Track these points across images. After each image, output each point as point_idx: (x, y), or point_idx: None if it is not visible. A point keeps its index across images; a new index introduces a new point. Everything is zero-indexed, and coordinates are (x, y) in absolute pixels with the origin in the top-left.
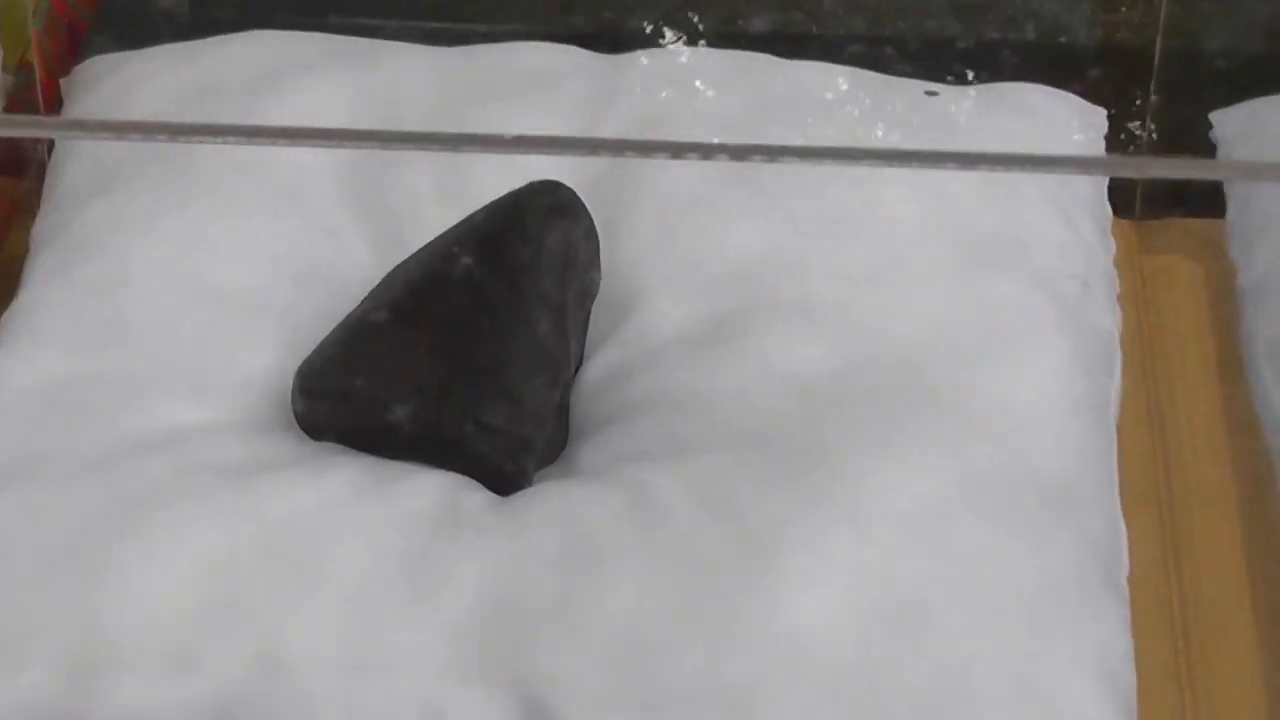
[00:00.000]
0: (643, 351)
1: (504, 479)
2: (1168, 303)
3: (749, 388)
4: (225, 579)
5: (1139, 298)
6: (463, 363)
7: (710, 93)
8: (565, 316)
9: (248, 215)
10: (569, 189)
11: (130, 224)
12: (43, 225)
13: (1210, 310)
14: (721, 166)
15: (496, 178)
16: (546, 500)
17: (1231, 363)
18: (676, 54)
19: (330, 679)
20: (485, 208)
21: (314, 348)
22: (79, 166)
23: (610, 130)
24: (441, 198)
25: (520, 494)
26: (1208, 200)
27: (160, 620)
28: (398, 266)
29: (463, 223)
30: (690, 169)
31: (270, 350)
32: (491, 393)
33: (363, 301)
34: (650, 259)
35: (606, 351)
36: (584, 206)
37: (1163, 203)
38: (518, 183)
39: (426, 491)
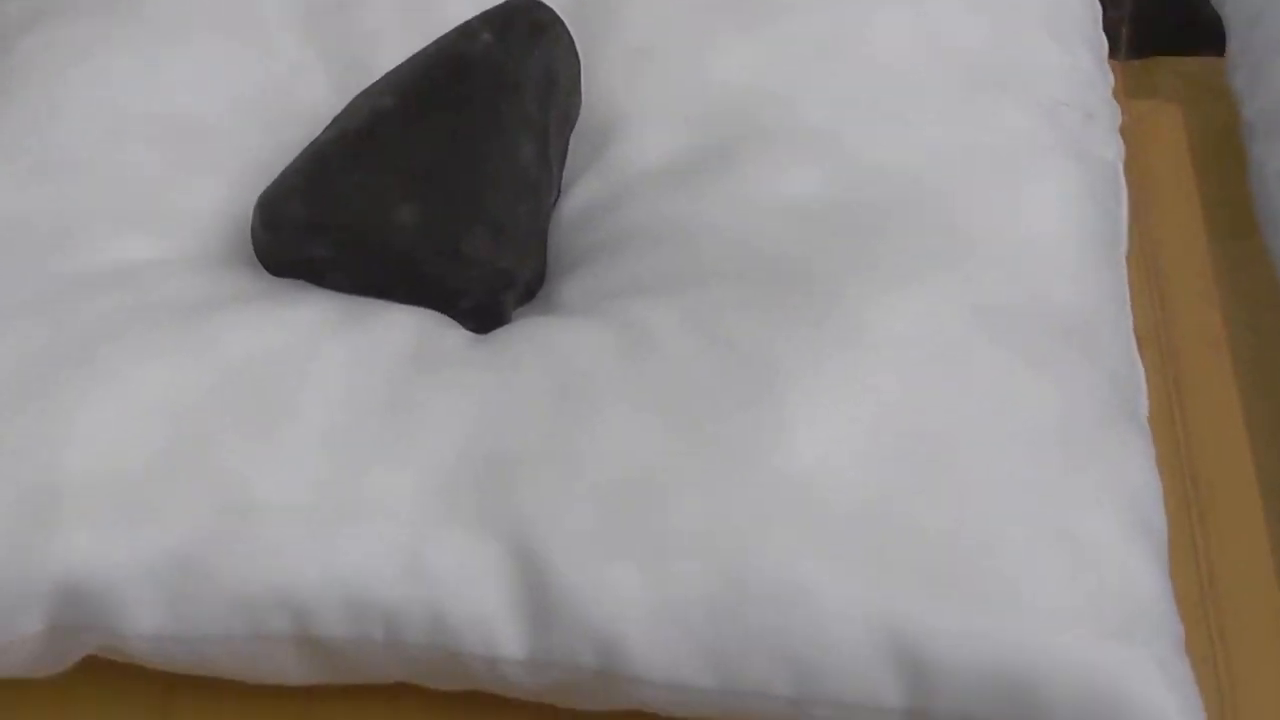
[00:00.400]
0: (624, 182)
1: (483, 315)
2: (1155, 147)
3: (740, 219)
4: (186, 421)
5: (1126, 140)
6: (438, 190)
7: None
8: (548, 141)
9: (199, 45)
10: (548, 7)
11: (66, 55)
12: None
13: (1198, 155)
14: None
15: (468, 5)
16: (530, 336)
17: (1223, 209)
18: None
19: (303, 526)
20: (459, 27)
21: (274, 178)
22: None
23: None
24: (408, 26)
25: (501, 330)
26: (1198, 38)
27: (115, 467)
28: (363, 91)
29: (435, 43)
30: None
31: (226, 183)
32: (471, 221)
33: (325, 129)
34: (631, 86)
35: (586, 182)
36: (565, 26)
37: (1150, 42)
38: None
39: (401, 328)
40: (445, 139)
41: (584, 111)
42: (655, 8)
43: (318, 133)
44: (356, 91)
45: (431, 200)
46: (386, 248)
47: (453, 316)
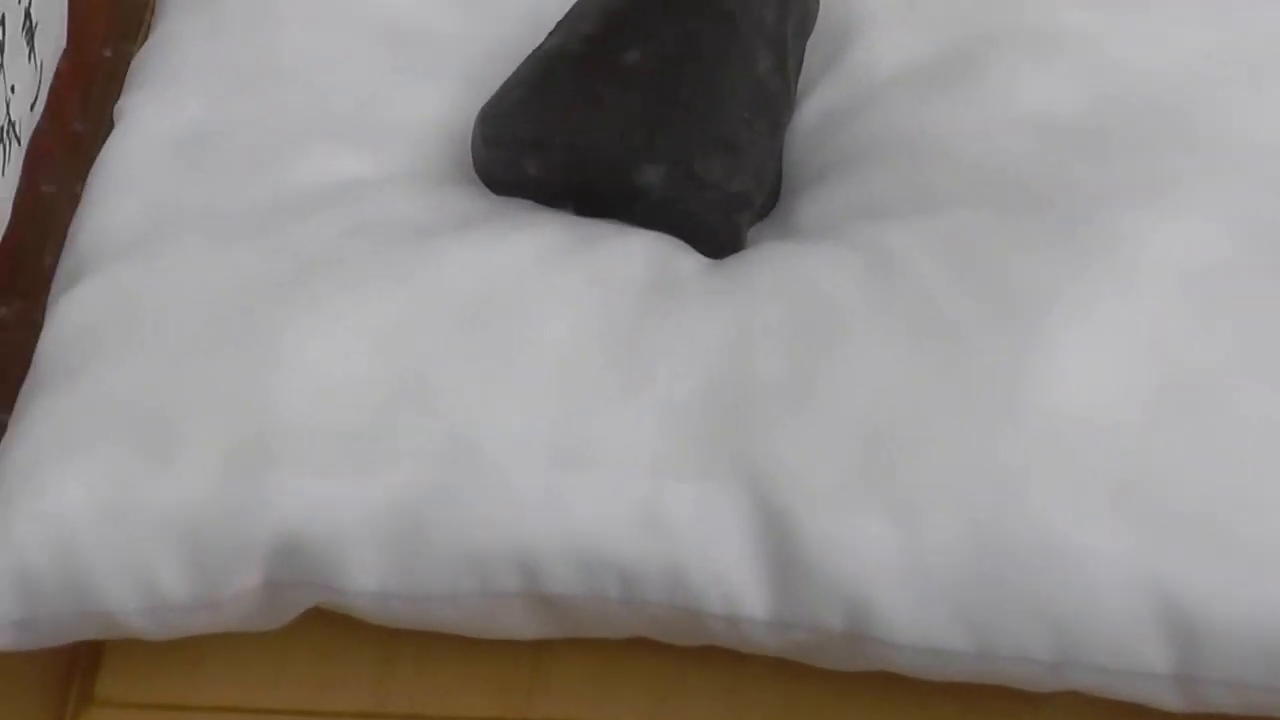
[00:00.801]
0: (861, 91)
1: (719, 240)
2: None
3: (989, 129)
4: (408, 356)
5: None
6: (671, 106)
7: None
8: (786, 51)
9: None
10: None
11: None
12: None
13: None
14: None
15: None
16: (770, 263)
17: None
18: None
19: (533, 473)
20: None
21: (496, 88)
22: None
23: None
24: None
25: (738, 257)
26: None
27: (335, 405)
28: None
29: None
30: None
31: (445, 91)
32: (706, 141)
33: (550, 34)
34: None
35: (821, 91)
36: None
37: None
38: None
39: (633, 254)
40: (678, 49)
41: (821, 12)
42: None
43: (543, 36)
44: None
45: (664, 118)
46: (616, 170)
47: (686, 240)
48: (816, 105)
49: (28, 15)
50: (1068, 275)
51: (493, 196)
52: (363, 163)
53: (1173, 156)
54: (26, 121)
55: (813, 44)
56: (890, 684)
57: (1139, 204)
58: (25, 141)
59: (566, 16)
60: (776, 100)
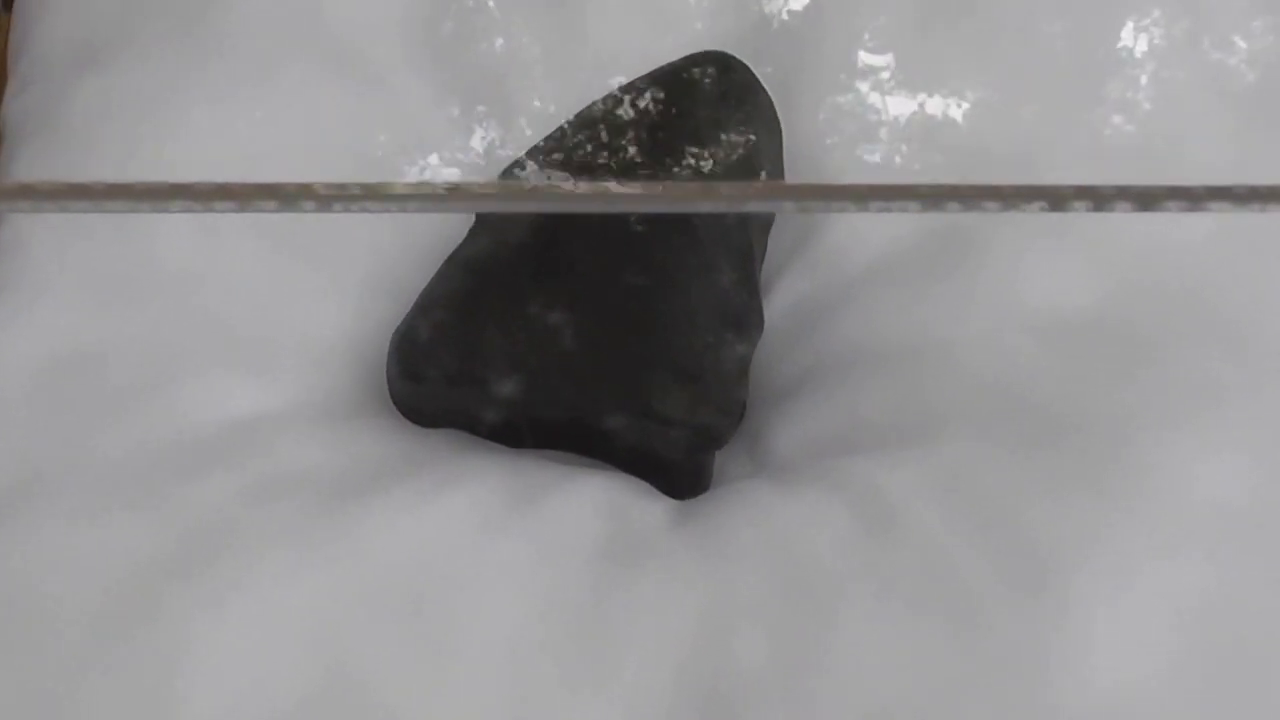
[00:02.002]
0: (839, 281)
1: (681, 478)
2: None
3: (991, 333)
4: (333, 651)
5: None
6: (622, 328)
7: None
8: (752, 256)
9: (296, 92)
10: (739, 62)
11: (140, 107)
12: (15, 106)
13: None
14: (920, 7)
15: (624, 29)
16: (745, 511)
17: None
18: None
19: None
20: (632, 88)
21: (407, 296)
22: (55, 19)
23: None
24: (551, 55)
25: (708, 501)
26: None
27: (252, 714)
28: (513, 183)
29: (603, 114)
30: (883, 18)
31: (350, 301)
32: (664, 373)
33: (470, 233)
34: (841, 146)
35: (791, 280)
36: (760, 83)
37: None
38: (652, 32)
39: (586, 507)
40: (630, 263)
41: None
42: (856, 41)
43: (457, 236)
44: (505, 151)
45: (615, 348)
46: (564, 409)
47: (645, 478)
48: (785, 298)
49: None
50: (1096, 527)
51: (414, 429)
52: (261, 393)
53: (1210, 362)
54: None
55: (777, 227)
56: None
57: (1173, 427)
58: None
59: (485, 215)
60: (741, 315)
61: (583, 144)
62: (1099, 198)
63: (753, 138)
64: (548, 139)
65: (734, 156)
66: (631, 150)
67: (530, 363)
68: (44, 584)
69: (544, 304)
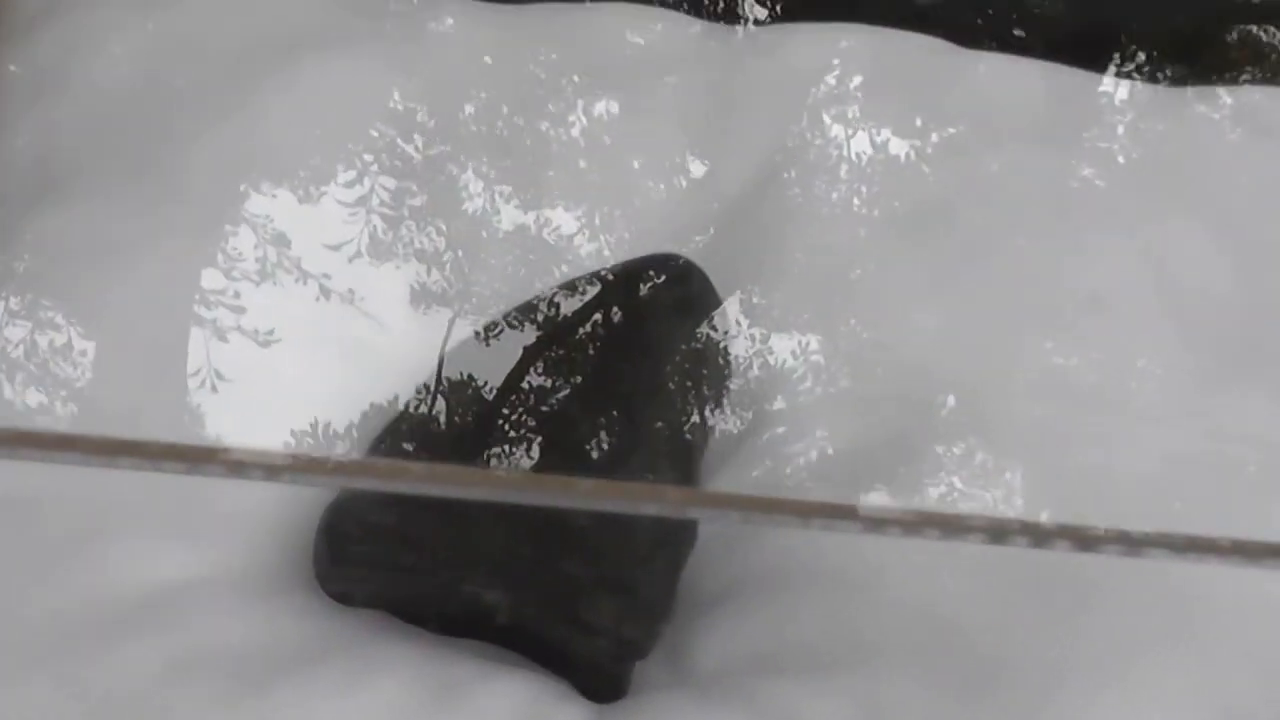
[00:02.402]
0: (785, 483)
1: (601, 682)
2: None
3: (927, 560)
4: None
5: None
6: (556, 531)
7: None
8: (692, 462)
9: (234, 254)
10: (689, 262)
11: (93, 248)
12: None
13: None
14: (884, 211)
15: (575, 215)
16: None
17: None
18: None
19: None
20: (583, 284)
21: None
22: (15, 141)
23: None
24: (518, 238)
25: (625, 709)
26: None
27: None
28: (449, 367)
29: (552, 323)
30: (840, 216)
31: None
32: (595, 580)
33: (405, 408)
34: (783, 345)
35: (726, 483)
36: (712, 288)
37: None
38: (599, 218)
39: (505, 708)
40: (571, 456)
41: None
42: (817, 238)
43: (393, 389)
44: (440, 334)
45: (546, 551)
46: (487, 608)
47: (564, 677)
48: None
49: None
50: None
51: (335, 608)
52: (187, 558)
53: (1137, 608)
54: None
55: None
56: None
57: (1098, 676)
58: None
59: (426, 400)
60: (678, 532)
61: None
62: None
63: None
64: (493, 324)
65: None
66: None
67: (464, 561)
68: None
69: (473, 512)
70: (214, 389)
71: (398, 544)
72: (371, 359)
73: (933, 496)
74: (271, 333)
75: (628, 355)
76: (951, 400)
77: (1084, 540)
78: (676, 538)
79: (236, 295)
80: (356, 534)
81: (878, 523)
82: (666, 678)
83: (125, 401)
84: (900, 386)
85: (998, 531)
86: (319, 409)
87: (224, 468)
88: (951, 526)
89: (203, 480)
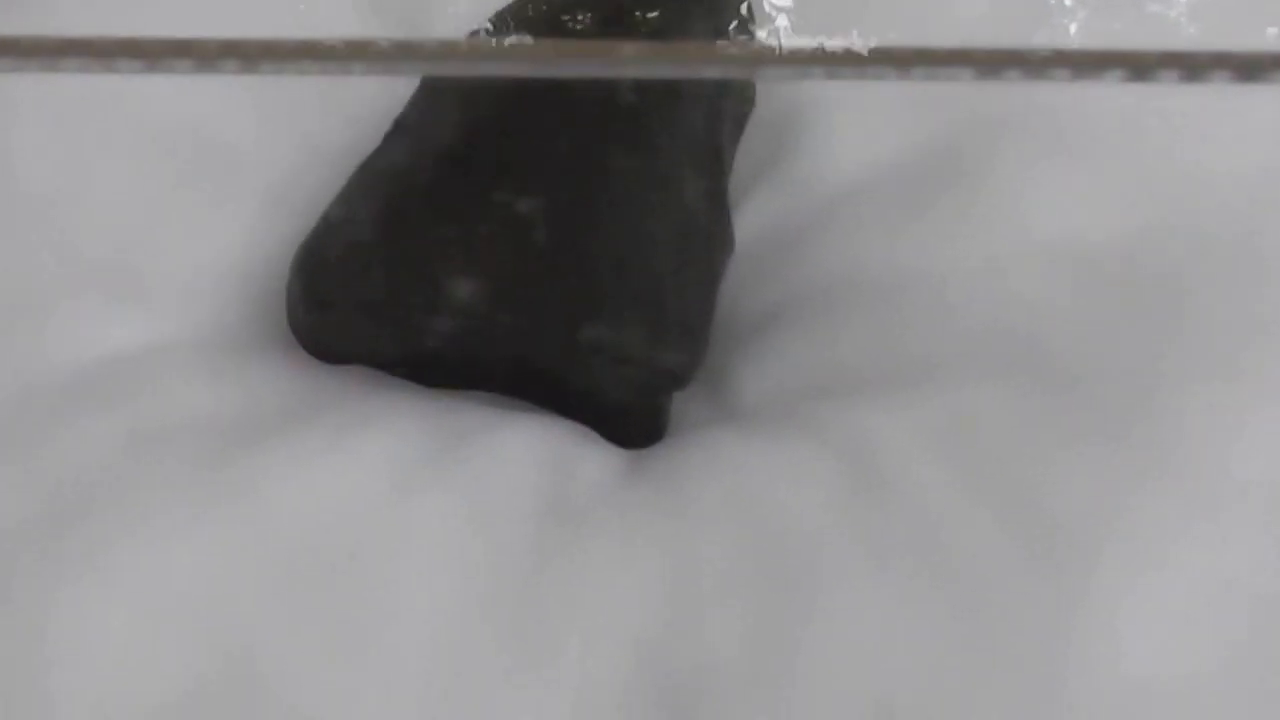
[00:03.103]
0: (817, 203)
1: (635, 423)
2: None
3: (993, 264)
4: (228, 634)
5: None
6: (571, 254)
7: None
8: (722, 167)
9: None
10: None
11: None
12: None
13: None
14: None
15: None
16: (710, 465)
17: None
18: None
19: None
20: None
21: (309, 212)
22: None
23: None
24: None
25: (664, 449)
26: None
27: (123, 707)
28: (431, 83)
29: (544, 8)
30: None
31: (240, 217)
32: (617, 301)
33: (386, 139)
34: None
35: (760, 200)
36: None
37: None
38: None
39: (521, 457)
40: (574, 171)
41: (758, 96)
42: None
43: (368, 142)
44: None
45: (558, 269)
46: (494, 339)
47: (592, 424)
48: (754, 221)
49: None
50: (1122, 493)
51: (318, 365)
52: (141, 326)
53: (1255, 308)
54: None
55: (747, 133)
56: None
57: (1209, 380)
58: None
59: (407, 115)
60: (712, 235)
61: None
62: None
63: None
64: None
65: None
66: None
67: (459, 289)
68: None
69: (473, 218)
70: None
71: (384, 278)
72: None
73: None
74: None
75: None
76: (1028, 99)
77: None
78: (709, 242)
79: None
80: (336, 261)
81: (994, 65)
82: (708, 414)
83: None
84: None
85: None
86: (281, 160)
87: (240, 62)
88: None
89: (151, 240)
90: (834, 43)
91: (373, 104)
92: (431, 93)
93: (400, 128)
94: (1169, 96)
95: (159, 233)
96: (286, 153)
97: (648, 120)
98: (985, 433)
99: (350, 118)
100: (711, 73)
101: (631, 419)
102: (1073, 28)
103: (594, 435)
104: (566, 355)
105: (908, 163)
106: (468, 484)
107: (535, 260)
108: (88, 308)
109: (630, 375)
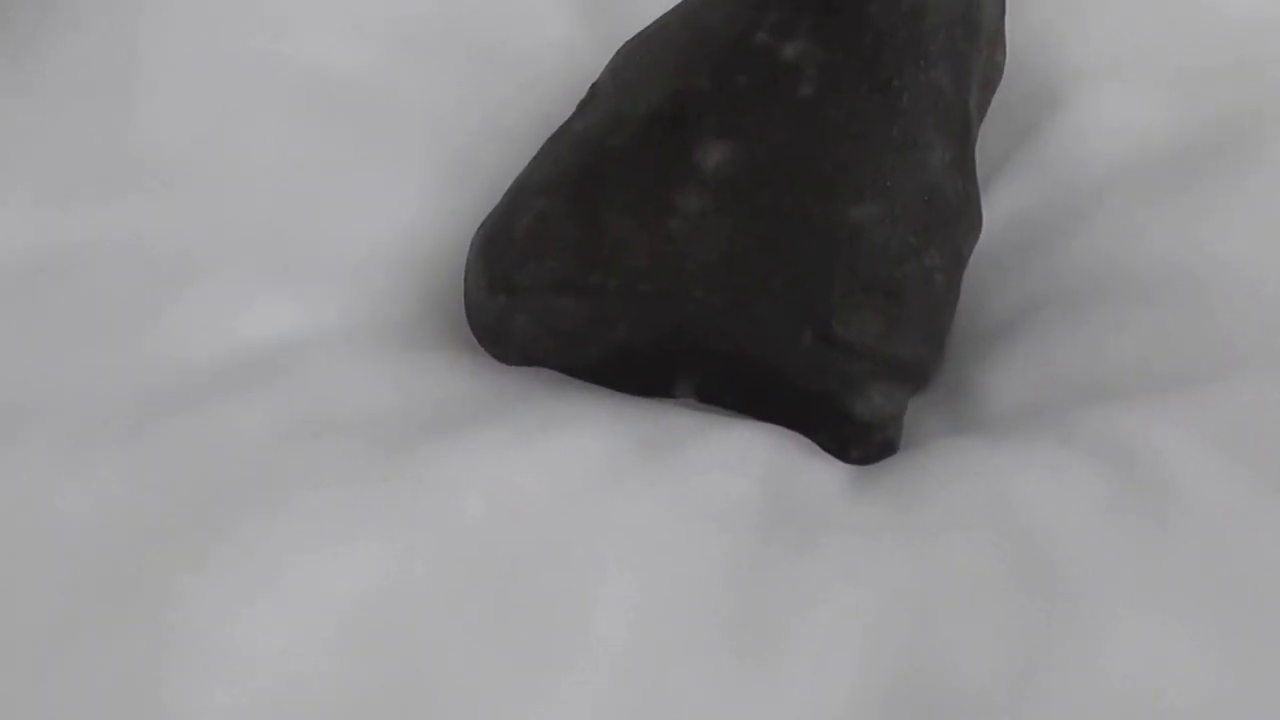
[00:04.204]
0: (1081, 184)
1: (865, 436)
2: None
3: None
4: (389, 646)
5: None
6: (793, 231)
7: None
8: (970, 134)
9: None
10: None
11: None
12: None
13: None
14: None
15: None
16: (957, 477)
17: None
18: None
19: None
20: None
21: (490, 186)
22: None
23: None
24: None
25: (897, 463)
26: None
27: None
28: (641, 43)
29: None
30: None
31: (409, 189)
32: (850, 284)
33: (581, 105)
34: (1085, 23)
35: (1013, 183)
36: None
37: None
38: None
39: (740, 461)
40: (798, 135)
41: (1011, 65)
42: None
43: (567, 102)
44: (614, 22)
45: (779, 248)
46: (709, 330)
47: (814, 436)
48: (1006, 205)
49: None
50: None
51: (500, 367)
52: (293, 312)
53: None
54: None
55: (995, 109)
56: None
57: None
58: None
59: (606, 78)
60: (958, 212)
61: None
62: None
63: None
64: None
65: None
66: None
67: (669, 264)
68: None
69: (680, 189)
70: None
71: (580, 256)
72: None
73: None
74: None
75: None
76: None
77: None
78: (956, 220)
79: None
80: (524, 236)
81: None
82: (946, 426)
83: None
84: (1232, 53)
85: None
86: (463, 129)
87: None
88: None
89: (307, 216)
90: None
91: (564, 77)
92: (636, 55)
93: (597, 95)
94: None
95: (320, 205)
96: (467, 120)
97: (888, 71)
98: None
99: (538, 88)
100: None
101: (860, 428)
102: None
103: (815, 447)
104: (787, 347)
105: (1188, 134)
106: (679, 487)
107: (754, 230)
108: (237, 288)
109: (861, 372)
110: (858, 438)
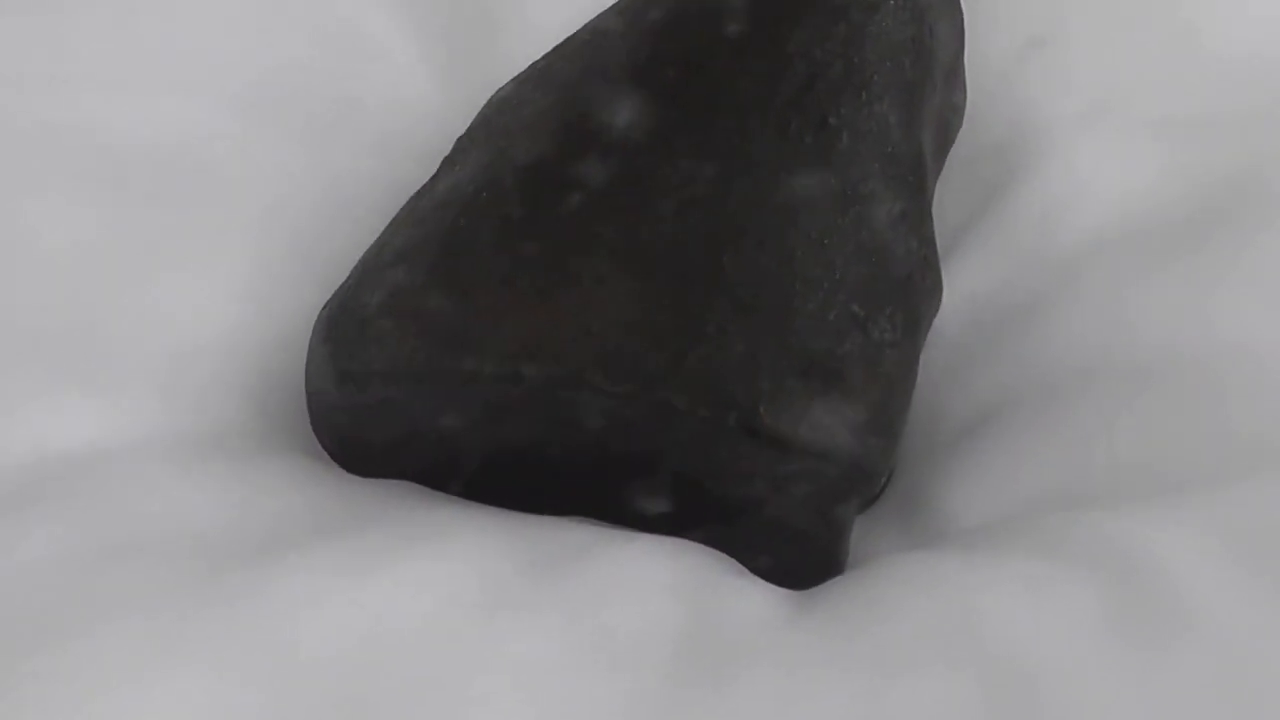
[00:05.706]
0: (1055, 254)
1: (808, 552)
2: None
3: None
4: None
5: None
6: (706, 292)
7: None
8: (924, 179)
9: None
10: None
11: None
12: None
13: None
14: None
15: None
16: (917, 595)
17: None
18: None
19: None
20: None
21: (339, 271)
22: None
23: None
24: None
25: (843, 585)
26: None
27: None
28: (519, 85)
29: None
30: None
31: (239, 272)
32: (783, 361)
33: (445, 165)
34: (1057, 63)
35: (979, 252)
36: None
37: None
38: None
39: (649, 586)
40: (721, 191)
41: (972, 112)
42: None
43: (416, 181)
44: (481, 77)
45: (694, 319)
46: (612, 420)
47: (733, 553)
48: (968, 281)
49: None
50: None
51: (351, 479)
52: (99, 417)
53: None
54: None
55: (953, 165)
56: None
57: None
58: None
59: (477, 127)
60: (911, 275)
61: None
62: None
63: None
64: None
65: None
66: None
67: (559, 342)
68: None
69: (573, 249)
70: None
71: (444, 337)
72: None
73: None
74: None
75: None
76: None
77: None
78: (908, 286)
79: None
80: (376, 315)
81: None
82: (903, 540)
83: None
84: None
85: None
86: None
87: None
88: None
89: (120, 293)
90: None
91: (420, 140)
92: (515, 98)
93: (467, 146)
94: None
95: (127, 294)
96: (307, 191)
97: (822, 108)
98: None
99: (389, 152)
100: None
101: (805, 545)
102: None
103: (739, 566)
104: (702, 444)
105: (1171, 206)
106: (568, 617)
107: (663, 299)
108: (30, 394)
109: (798, 474)
110: (795, 555)
